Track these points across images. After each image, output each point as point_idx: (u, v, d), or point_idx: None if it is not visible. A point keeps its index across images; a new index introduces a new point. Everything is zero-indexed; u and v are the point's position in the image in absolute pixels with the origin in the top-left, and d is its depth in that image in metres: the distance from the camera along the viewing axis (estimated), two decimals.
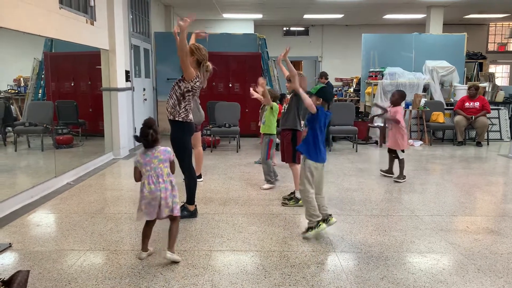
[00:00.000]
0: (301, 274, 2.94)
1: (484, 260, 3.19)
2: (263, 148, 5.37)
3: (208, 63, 4.00)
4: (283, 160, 4.79)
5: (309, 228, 3.59)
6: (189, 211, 4.10)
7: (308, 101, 3.49)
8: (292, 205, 4.50)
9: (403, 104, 5.68)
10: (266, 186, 5.23)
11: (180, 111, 3.95)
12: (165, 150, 3.15)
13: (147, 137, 3.08)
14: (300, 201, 4.27)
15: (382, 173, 5.94)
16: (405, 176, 5.60)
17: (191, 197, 4.12)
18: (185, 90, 3.90)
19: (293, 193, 4.64)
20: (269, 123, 5.34)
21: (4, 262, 3.13)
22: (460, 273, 2.98)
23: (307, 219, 3.62)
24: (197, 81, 3.91)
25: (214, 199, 4.71)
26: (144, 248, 3.22)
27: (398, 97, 5.70)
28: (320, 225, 3.57)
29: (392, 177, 5.75)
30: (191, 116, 4.05)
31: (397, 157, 5.67)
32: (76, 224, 3.92)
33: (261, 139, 6.68)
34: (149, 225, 3.21)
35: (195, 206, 4.16)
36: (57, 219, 4.12)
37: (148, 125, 3.12)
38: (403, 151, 5.65)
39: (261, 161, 5.46)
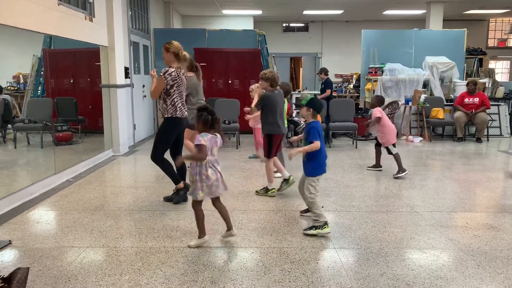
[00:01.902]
0: (301, 270, 2.95)
1: (483, 256, 3.19)
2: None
3: (184, 52, 4.26)
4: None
5: (314, 227, 3.59)
6: (181, 189, 4.37)
7: (314, 147, 3.53)
8: (263, 193, 4.78)
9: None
10: (278, 174, 5.26)
11: (168, 108, 4.18)
12: (220, 138, 3.32)
13: (201, 117, 3.21)
14: (270, 191, 4.74)
15: (370, 169, 6.06)
16: (405, 169, 5.60)
17: (175, 179, 4.40)
18: (168, 87, 4.12)
19: (264, 188, 4.86)
20: None
21: (4, 259, 3.13)
22: (459, 269, 2.98)
23: (313, 218, 3.65)
24: (173, 71, 4.11)
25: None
26: (204, 231, 3.36)
27: (375, 101, 5.93)
28: (325, 227, 3.58)
29: (380, 170, 5.87)
30: (180, 112, 4.22)
31: (391, 153, 5.69)
32: (76, 221, 3.93)
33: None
34: (200, 207, 3.33)
35: (183, 182, 4.41)
36: (57, 216, 4.12)
37: (202, 108, 3.27)
38: (394, 145, 5.69)
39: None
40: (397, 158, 5.62)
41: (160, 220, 3.95)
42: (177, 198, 4.42)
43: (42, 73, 7.95)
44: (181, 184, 4.41)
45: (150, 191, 4.92)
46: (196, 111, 5.10)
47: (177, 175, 4.41)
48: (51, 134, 6.95)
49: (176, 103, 4.19)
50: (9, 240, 3.42)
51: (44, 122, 6.80)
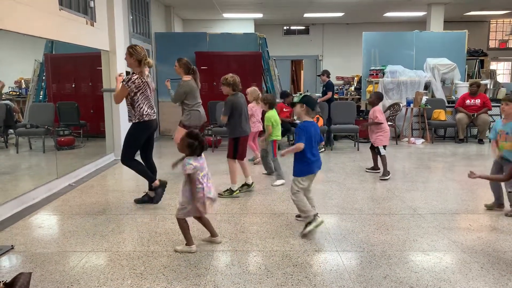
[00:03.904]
0: (303, 273, 2.94)
1: (487, 258, 3.17)
2: (269, 148, 5.55)
3: (149, 59, 4.29)
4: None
5: (307, 224, 3.62)
6: (158, 187, 4.43)
7: (296, 148, 3.56)
8: (227, 195, 4.81)
9: (380, 104, 5.94)
10: (278, 182, 5.34)
11: (135, 113, 4.25)
12: (203, 159, 3.34)
13: (192, 147, 3.22)
14: (235, 192, 4.83)
15: (368, 171, 6.05)
16: (389, 172, 5.60)
17: (148, 175, 4.44)
18: (132, 94, 4.18)
19: (229, 190, 4.90)
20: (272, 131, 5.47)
21: (6, 264, 3.13)
22: (463, 271, 2.97)
23: (303, 216, 3.66)
24: (136, 78, 4.17)
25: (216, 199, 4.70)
26: (191, 240, 3.37)
27: (374, 98, 5.89)
28: (317, 217, 3.61)
29: (378, 172, 5.82)
30: (148, 116, 4.29)
31: (379, 153, 5.70)
32: (78, 225, 3.93)
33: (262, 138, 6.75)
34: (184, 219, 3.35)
35: (159, 180, 4.46)
36: (59, 220, 4.12)
37: (193, 136, 3.27)
38: (384, 147, 5.70)
39: (269, 160, 5.64)
40: (384, 160, 5.64)
41: (162, 224, 3.95)
42: (156, 198, 4.49)
43: (44, 78, 7.97)
44: (157, 182, 4.45)
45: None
46: (191, 114, 5.28)
47: (150, 173, 4.47)
48: (53, 138, 6.95)
49: (143, 109, 4.24)
50: (12, 245, 3.42)
51: (46, 126, 6.81)
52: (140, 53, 4.21)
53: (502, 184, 4.15)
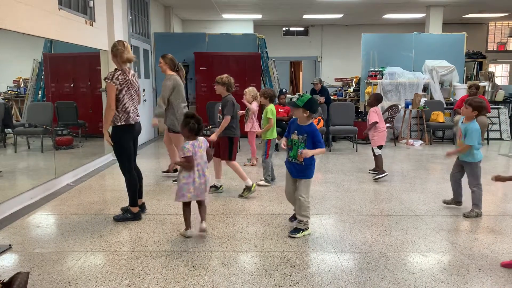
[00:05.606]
0: (301, 274, 2.94)
1: (485, 259, 3.18)
2: (262, 148, 5.56)
3: (127, 55, 4.01)
4: (217, 156, 4.92)
5: (300, 230, 3.65)
6: (132, 213, 4.05)
7: (320, 152, 3.53)
8: (247, 194, 4.80)
9: (379, 106, 5.88)
10: (262, 182, 5.34)
11: (120, 115, 3.92)
12: (204, 140, 3.53)
13: (188, 125, 3.40)
14: (253, 187, 4.79)
15: (371, 172, 6.07)
16: (385, 171, 5.63)
17: (133, 199, 4.07)
18: (117, 92, 3.88)
19: (246, 188, 4.83)
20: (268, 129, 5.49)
21: (4, 263, 3.13)
22: (461, 272, 2.97)
23: (302, 220, 3.66)
24: (119, 74, 3.88)
25: (214, 200, 4.70)
26: (188, 225, 3.65)
27: (372, 99, 5.91)
28: (308, 228, 3.68)
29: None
30: (133, 119, 4.03)
31: (374, 154, 5.75)
32: (76, 225, 3.92)
33: (260, 140, 6.76)
34: (188, 208, 3.63)
35: (139, 208, 4.13)
36: (57, 220, 4.11)
37: (190, 115, 3.46)
38: (380, 147, 5.73)
39: (261, 160, 5.63)
40: (378, 160, 5.68)
41: (160, 224, 3.94)
42: (122, 216, 4.07)
43: (42, 77, 7.96)
44: (136, 209, 4.07)
45: (150, 195, 4.91)
46: (178, 118, 5.19)
47: (138, 197, 4.11)
48: (51, 138, 6.94)
49: (128, 109, 3.94)
50: (9, 245, 3.41)
51: (45, 126, 6.80)
52: (118, 48, 3.94)
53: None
